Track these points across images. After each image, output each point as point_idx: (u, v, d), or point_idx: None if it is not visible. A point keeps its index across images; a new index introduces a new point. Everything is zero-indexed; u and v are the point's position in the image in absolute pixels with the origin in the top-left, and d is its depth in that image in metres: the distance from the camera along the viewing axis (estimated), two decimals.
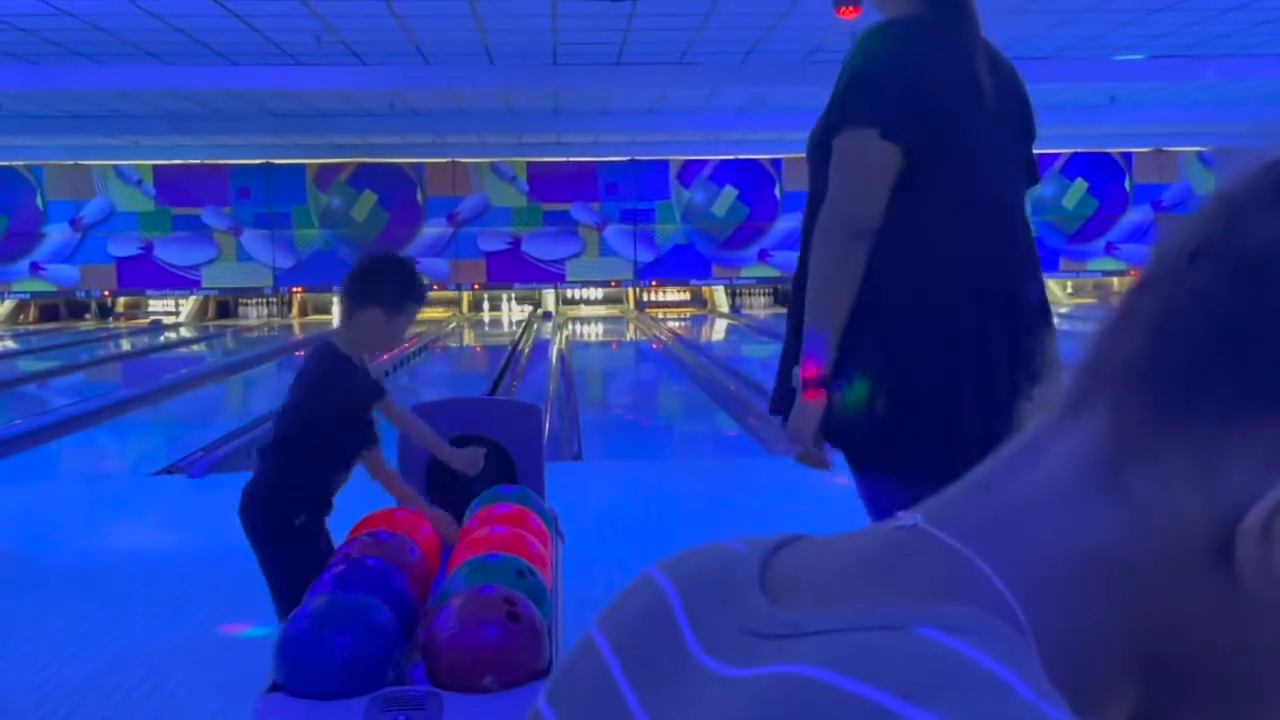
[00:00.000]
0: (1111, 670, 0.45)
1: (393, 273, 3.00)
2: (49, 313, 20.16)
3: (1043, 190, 20.08)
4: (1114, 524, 0.45)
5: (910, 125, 2.01)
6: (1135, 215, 20.52)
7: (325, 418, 2.92)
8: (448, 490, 3.30)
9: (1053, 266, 20.44)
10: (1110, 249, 20.70)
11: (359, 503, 3.06)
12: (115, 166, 19.25)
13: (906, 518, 0.49)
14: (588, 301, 21.00)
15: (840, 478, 2.30)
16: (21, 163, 18.79)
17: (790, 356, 2.18)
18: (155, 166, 19.28)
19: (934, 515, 0.48)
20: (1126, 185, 20.51)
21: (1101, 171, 20.35)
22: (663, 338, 15.89)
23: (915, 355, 2.04)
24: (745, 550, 0.53)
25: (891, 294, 2.04)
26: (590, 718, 0.51)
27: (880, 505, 2.10)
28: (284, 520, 2.88)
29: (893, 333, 2.05)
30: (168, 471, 6.67)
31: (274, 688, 2.05)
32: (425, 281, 3.14)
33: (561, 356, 13.14)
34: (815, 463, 2.13)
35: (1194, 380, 0.43)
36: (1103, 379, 0.47)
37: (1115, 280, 21.08)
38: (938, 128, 2.02)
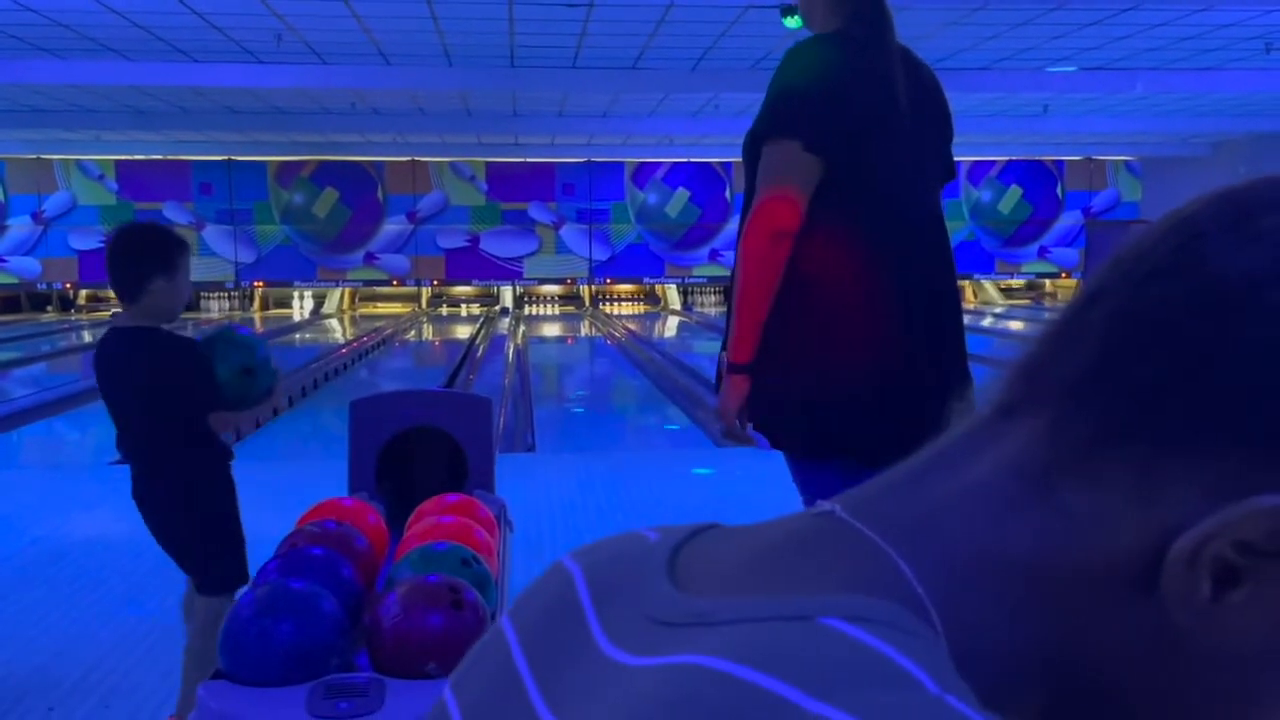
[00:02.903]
0: (1019, 676, 0.43)
1: (155, 237, 2.83)
2: (10, 304, 19.80)
3: (980, 196, 20.33)
4: (1040, 534, 0.43)
5: (830, 138, 2.09)
6: (1066, 220, 20.82)
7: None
8: (397, 480, 3.26)
9: (988, 268, 20.70)
10: (1043, 252, 20.98)
11: (307, 493, 3.01)
12: (77, 161, 18.94)
13: (824, 505, 0.47)
14: (547, 299, 20.96)
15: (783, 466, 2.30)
16: None
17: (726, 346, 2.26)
18: (117, 161, 19.00)
19: (853, 505, 0.46)
20: (1058, 192, 20.79)
21: (1035, 178, 20.61)
22: (617, 334, 15.88)
23: (838, 346, 2.11)
24: (657, 539, 0.51)
25: (815, 289, 2.12)
26: (490, 706, 0.49)
27: (812, 492, 2.13)
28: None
29: (817, 324, 2.12)
30: (124, 462, 6.56)
31: (218, 674, 2.01)
32: (175, 241, 2.87)
33: (517, 351, 13.09)
34: (739, 439, 2.22)
35: (1142, 405, 0.42)
36: (1045, 389, 0.45)
37: (1047, 281, 21.38)
38: (855, 139, 2.11)
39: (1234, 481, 0.40)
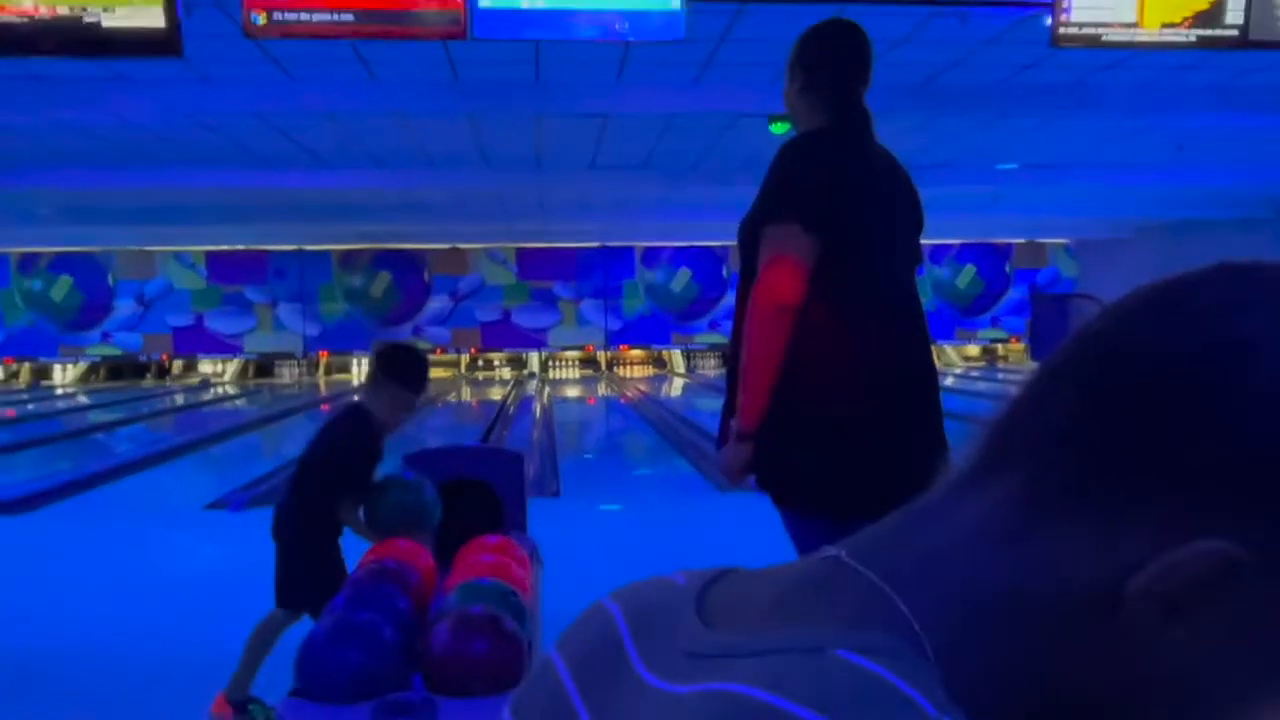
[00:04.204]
0: (1004, 698, 0.43)
1: (380, 354, 2.95)
2: (116, 373, 19.90)
3: (941, 273, 20.37)
4: (1018, 573, 0.43)
5: (824, 221, 2.02)
6: (1014, 293, 20.85)
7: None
8: (445, 524, 3.26)
9: (949, 335, 20.67)
10: (995, 321, 20.99)
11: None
12: (174, 252, 19.14)
13: (831, 551, 0.47)
14: (568, 364, 20.95)
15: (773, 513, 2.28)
16: (97, 248, 18.65)
17: (730, 409, 2.18)
18: (207, 251, 19.19)
19: (856, 551, 0.46)
20: (1007, 269, 20.84)
21: (987, 258, 20.68)
22: (629, 394, 15.86)
23: (831, 412, 2.04)
24: (685, 582, 0.51)
25: (810, 359, 2.04)
26: None
27: (807, 543, 2.08)
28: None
29: (812, 393, 2.04)
30: (215, 506, 6.57)
31: (295, 693, 2.01)
32: (410, 369, 2.93)
33: (544, 409, 13.08)
34: (738, 487, 2.18)
35: (1101, 463, 0.43)
36: (1020, 448, 0.45)
37: (999, 346, 21.36)
38: (846, 222, 2.04)
39: (1180, 526, 0.41)
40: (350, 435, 2.89)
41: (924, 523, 0.46)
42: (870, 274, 2.07)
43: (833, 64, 2.17)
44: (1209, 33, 4.16)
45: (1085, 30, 4.13)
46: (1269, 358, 0.41)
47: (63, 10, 3.61)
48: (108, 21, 3.62)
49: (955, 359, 20.90)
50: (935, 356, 2.27)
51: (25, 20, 3.61)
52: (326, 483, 2.85)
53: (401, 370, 2.91)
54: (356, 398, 2.98)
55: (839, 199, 2.03)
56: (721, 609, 0.48)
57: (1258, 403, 0.41)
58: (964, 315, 20.77)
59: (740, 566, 0.52)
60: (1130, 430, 0.42)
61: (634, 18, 3.82)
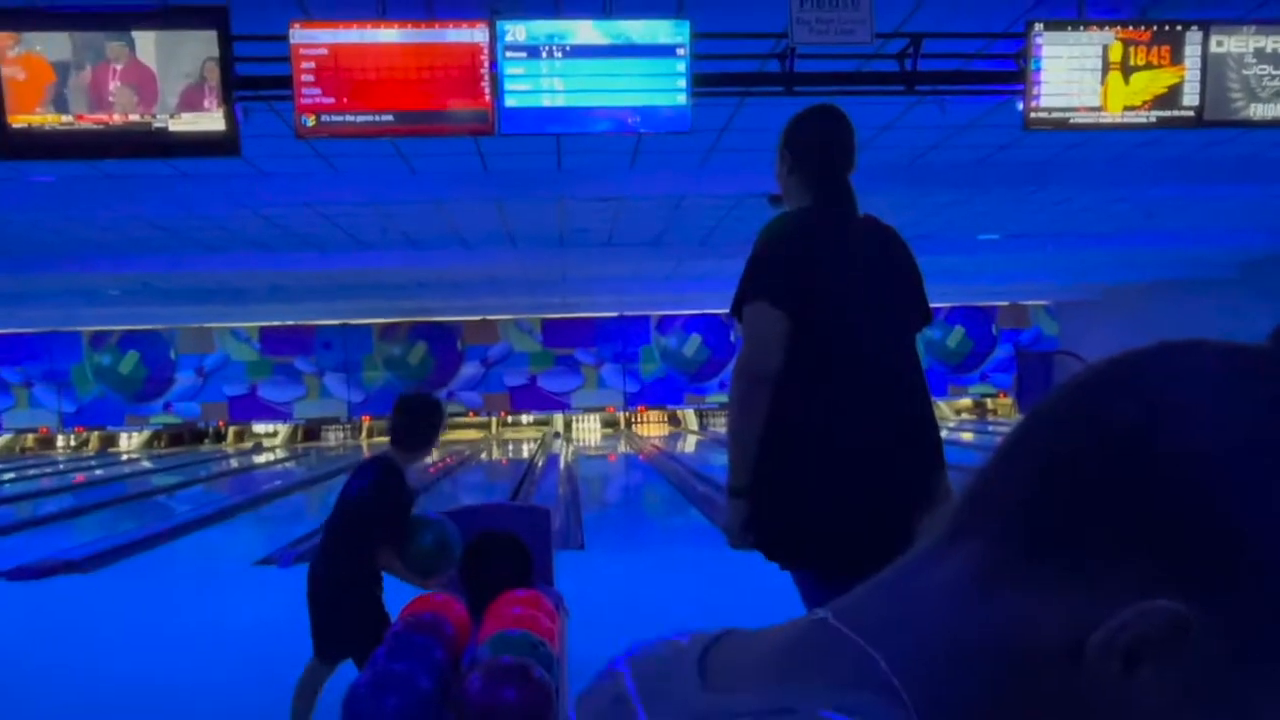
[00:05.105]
0: None
1: (410, 414, 2.95)
2: (176, 439, 20.02)
3: (933, 334, 20.36)
4: (986, 630, 0.44)
5: (792, 295, 1.99)
6: (1000, 352, 20.82)
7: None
8: (477, 578, 3.24)
9: (942, 391, 20.57)
10: (984, 377, 20.92)
11: (406, 589, 2.99)
12: (230, 328, 19.38)
13: (820, 612, 0.48)
14: (590, 424, 20.92)
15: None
16: (161, 326, 18.91)
17: None
18: (260, 327, 19.42)
19: (841, 612, 0.47)
20: (993, 330, 20.82)
21: (974, 320, 20.69)
22: (647, 451, 15.80)
23: (812, 470, 1.99)
24: (688, 644, 0.52)
25: (793, 425, 2.00)
26: None
27: (802, 592, 2.05)
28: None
29: (797, 456, 2.00)
30: (265, 562, 6.54)
31: None
32: (438, 416, 2.96)
33: (568, 467, 13.03)
34: (744, 548, 2.11)
35: (1059, 529, 0.43)
36: (986, 515, 0.46)
37: (988, 400, 21.23)
38: (816, 294, 2.00)
39: (1132, 587, 0.41)
40: (380, 487, 2.86)
41: (903, 584, 0.47)
42: (847, 339, 2.01)
43: (818, 146, 2.16)
44: (1167, 114, 4.20)
45: (1054, 114, 4.19)
46: (1202, 431, 0.41)
47: (134, 118, 3.73)
48: (174, 126, 3.73)
49: (949, 413, 20.77)
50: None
51: (101, 128, 3.73)
52: (364, 536, 2.82)
53: (423, 414, 2.96)
54: (375, 452, 2.96)
55: (806, 273, 1.99)
56: (720, 670, 0.48)
57: (1191, 474, 0.41)
58: (955, 373, 20.70)
59: (739, 627, 0.53)
60: (1085, 499, 0.42)
61: (645, 112, 3.90)
